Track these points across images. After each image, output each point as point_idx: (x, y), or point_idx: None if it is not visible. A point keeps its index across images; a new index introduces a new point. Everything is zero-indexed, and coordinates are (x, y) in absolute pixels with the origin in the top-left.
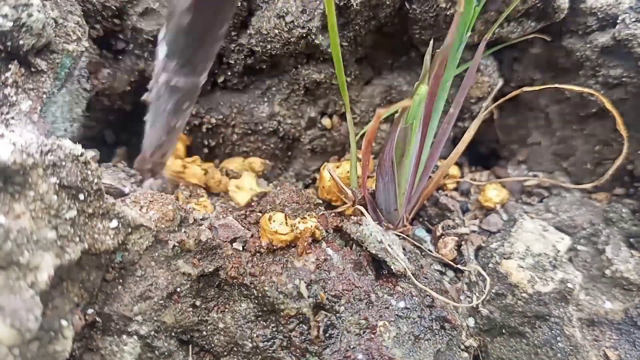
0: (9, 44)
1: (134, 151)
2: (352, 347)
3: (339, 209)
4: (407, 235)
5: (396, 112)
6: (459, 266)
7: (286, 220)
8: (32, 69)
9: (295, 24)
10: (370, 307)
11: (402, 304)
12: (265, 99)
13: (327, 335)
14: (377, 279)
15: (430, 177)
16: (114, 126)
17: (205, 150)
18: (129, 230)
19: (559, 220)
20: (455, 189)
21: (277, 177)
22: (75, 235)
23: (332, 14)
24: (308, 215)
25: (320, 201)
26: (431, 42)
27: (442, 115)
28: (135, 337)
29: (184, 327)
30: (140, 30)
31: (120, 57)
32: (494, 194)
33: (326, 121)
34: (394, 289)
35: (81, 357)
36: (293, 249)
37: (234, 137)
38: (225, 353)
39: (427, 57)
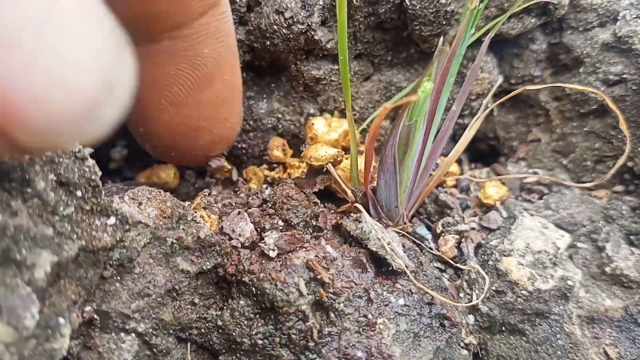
0: None
1: (131, 146)
2: (351, 344)
3: (340, 209)
4: (407, 233)
5: (398, 109)
6: (458, 265)
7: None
8: None
9: (295, 19)
10: (369, 305)
11: (401, 302)
12: (265, 95)
13: (326, 332)
14: (377, 276)
15: (430, 174)
16: None
17: None
18: (127, 227)
19: (558, 217)
20: (455, 186)
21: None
22: (73, 232)
23: (344, 10)
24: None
25: (318, 200)
26: (441, 39)
27: (444, 112)
28: (133, 334)
29: (182, 325)
30: None
31: None
32: (494, 191)
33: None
34: (393, 286)
35: (79, 355)
36: (290, 253)
37: None
38: (223, 350)
39: (437, 53)
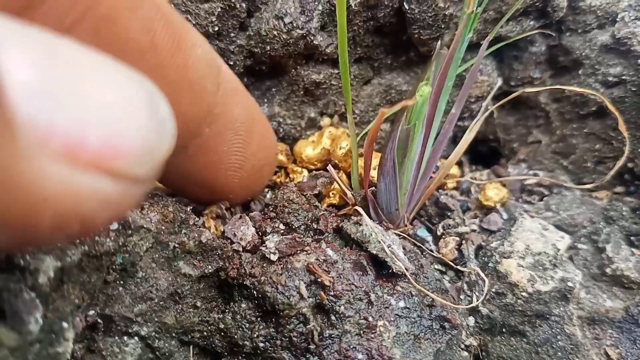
0: None
1: None
2: (352, 347)
3: (341, 212)
4: (408, 235)
5: (397, 111)
6: (458, 267)
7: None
8: None
9: (294, 25)
10: (370, 307)
11: (402, 304)
12: (265, 100)
13: (327, 335)
14: (377, 279)
15: (431, 177)
16: None
17: None
18: (129, 232)
19: (559, 218)
20: (455, 188)
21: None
22: None
23: (343, 13)
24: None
25: (318, 204)
26: (439, 42)
27: (444, 115)
28: (136, 338)
29: (184, 328)
30: None
31: None
32: (494, 192)
33: (326, 121)
34: (394, 289)
35: (83, 359)
36: (291, 256)
37: None
38: (225, 353)
39: (434, 56)
